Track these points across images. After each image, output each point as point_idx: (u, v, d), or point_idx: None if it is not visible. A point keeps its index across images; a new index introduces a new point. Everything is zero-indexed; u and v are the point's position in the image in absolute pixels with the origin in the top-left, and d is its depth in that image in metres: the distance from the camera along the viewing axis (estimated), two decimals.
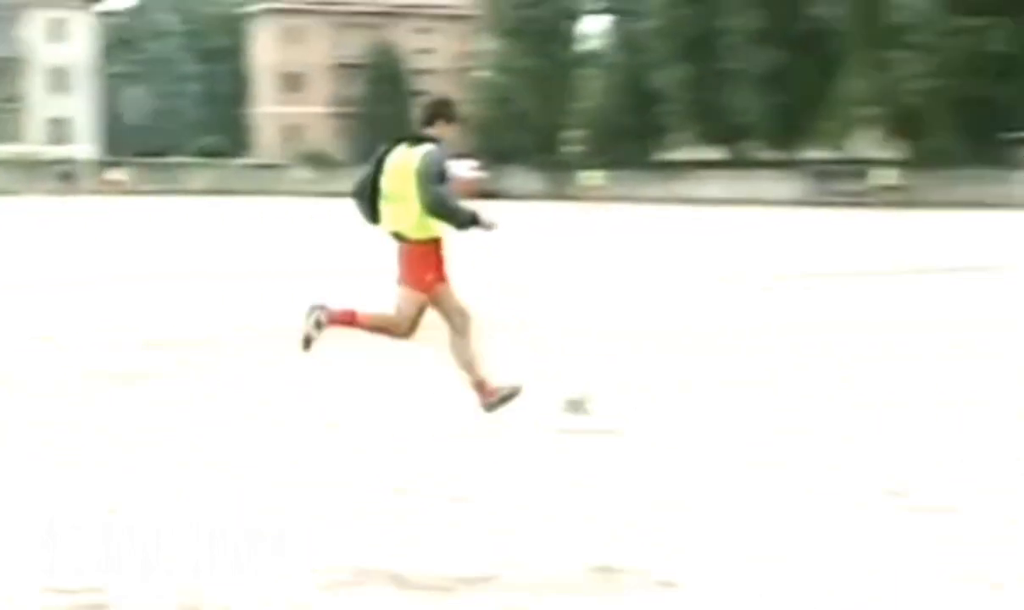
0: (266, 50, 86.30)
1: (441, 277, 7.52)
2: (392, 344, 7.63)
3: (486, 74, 74.05)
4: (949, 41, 45.92)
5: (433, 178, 7.38)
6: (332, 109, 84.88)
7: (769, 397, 8.13)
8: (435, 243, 7.51)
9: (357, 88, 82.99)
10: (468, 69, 78.57)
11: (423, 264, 7.48)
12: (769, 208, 34.39)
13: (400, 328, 7.55)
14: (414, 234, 7.46)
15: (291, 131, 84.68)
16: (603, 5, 68.26)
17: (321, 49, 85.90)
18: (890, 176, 49.03)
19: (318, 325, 7.50)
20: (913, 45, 47.08)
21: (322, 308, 7.53)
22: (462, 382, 7.42)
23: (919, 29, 47.00)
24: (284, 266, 20.21)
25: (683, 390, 8.31)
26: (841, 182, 50.26)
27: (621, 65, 64.07)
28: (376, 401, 8.19)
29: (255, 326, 12.10)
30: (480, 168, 65.46)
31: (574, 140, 69.13)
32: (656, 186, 56.90)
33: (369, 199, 7.60)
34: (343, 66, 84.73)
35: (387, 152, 7.57)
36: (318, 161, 75.74)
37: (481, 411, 7.34)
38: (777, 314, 13.20)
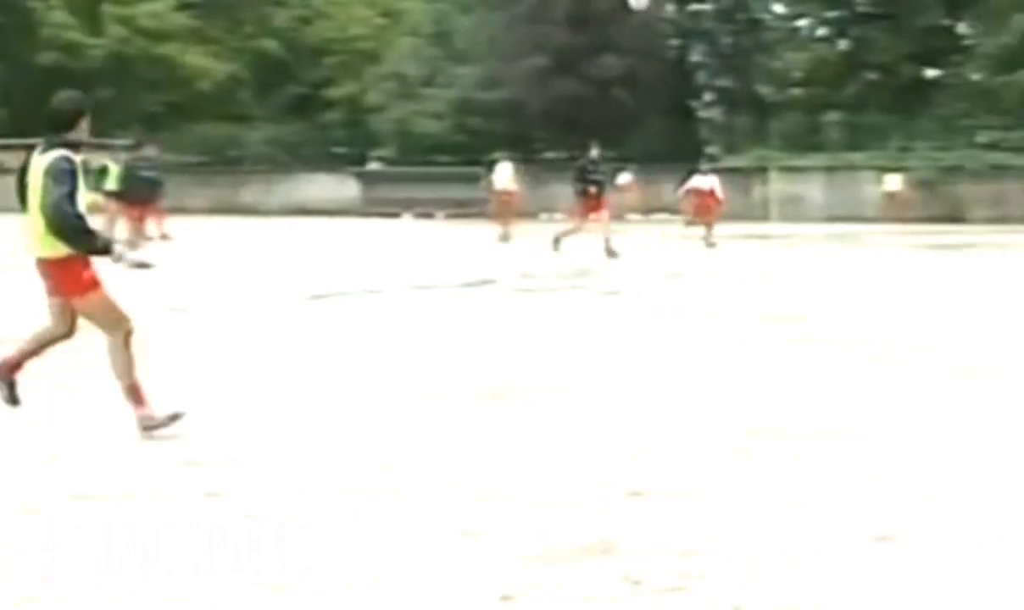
0: None
1: (88, 287, 6.82)
2: None
3: None
4: None
5: (62, 189, 6.59)
6: None
7: None
8: (72, 257, 6.76)
9: None
10: None
11: (76, 270, 6.78)
12: None
13: (122, 329, 6.88)
14: (46, 251, 6.78)
15: None
16: None
17: None
18: None
19: (154, 422, 6.82)
20: None
21: (141, 421, 6.81)
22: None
23: None
24: None
25: None
26: None
27: None
28: None
29: None
30: None
31: None
32: None
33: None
34: None
35: (28, 158, 6.81)
36: None
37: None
38: None
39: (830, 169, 41.56)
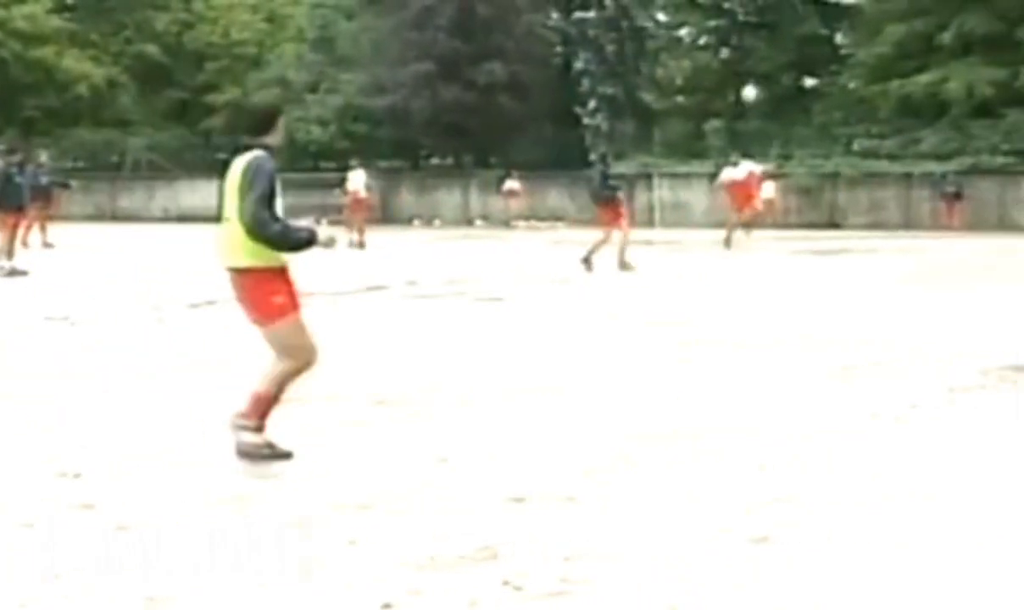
0: None
1: (275, 314, 6.36)
2: None
3: None
4: None
5: (256, 191, 6.15)
6: None
7: None
8: (273, 271, 6.34)
9: None
10: None
11: (267, 291, 6.33)
12: None
13: (301, 361, 6.43)
14: (244, 261, 6.34)
15: None
16: None
17: None
18: None
19: (250, 429, 6.33)
20: None
21: (238, 416, 6.37)
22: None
23: None
24: None
25: None
26: None
27: None
28: None
29: None
30: None
31: None
32: None
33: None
34: None
35: (226, 167, 6.40)
36: None
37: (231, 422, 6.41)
38: None
39: (713, 176, 42.13)
